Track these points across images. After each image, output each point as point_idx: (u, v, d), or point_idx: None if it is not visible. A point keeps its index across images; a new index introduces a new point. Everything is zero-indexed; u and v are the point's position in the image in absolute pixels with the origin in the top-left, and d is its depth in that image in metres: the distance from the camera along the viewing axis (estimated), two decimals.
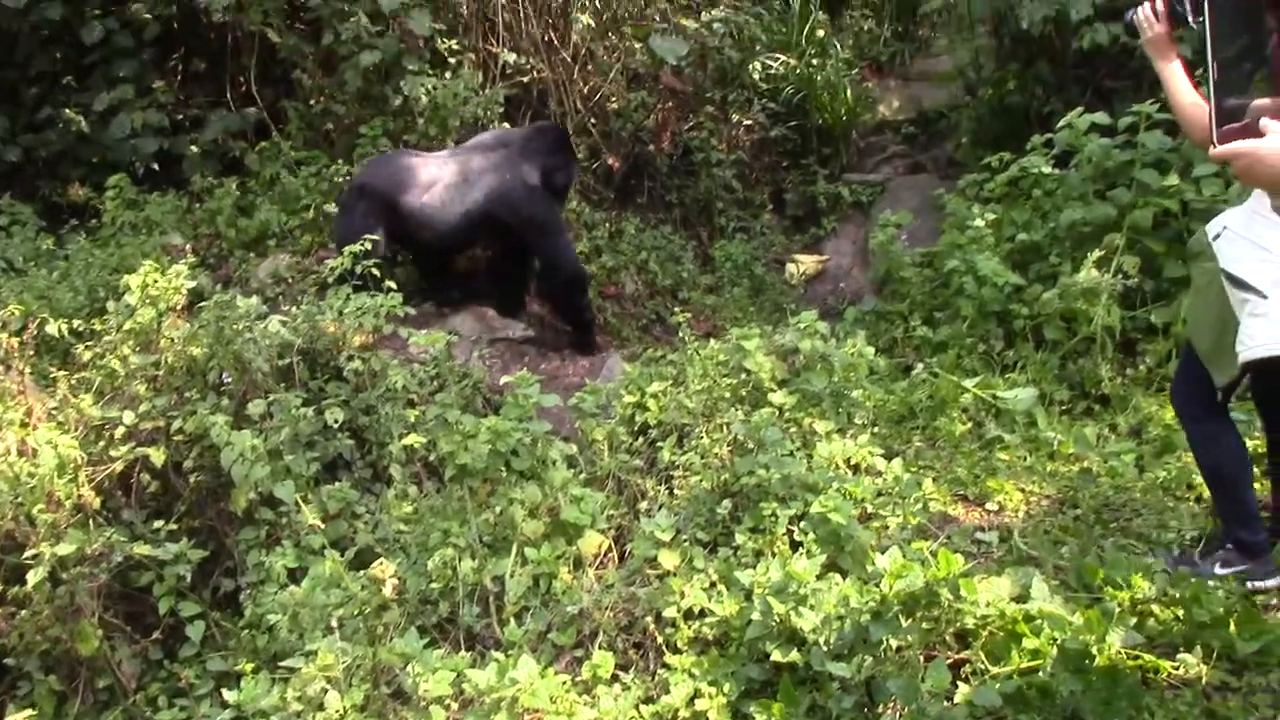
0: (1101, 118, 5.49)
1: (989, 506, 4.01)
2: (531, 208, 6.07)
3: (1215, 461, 3.36)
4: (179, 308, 5.01)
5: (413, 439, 4.21)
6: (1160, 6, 3.02)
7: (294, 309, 5.11)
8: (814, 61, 8.94)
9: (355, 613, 3.49)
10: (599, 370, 6.05)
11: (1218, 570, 3.31)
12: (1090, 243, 5.25)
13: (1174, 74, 3.06)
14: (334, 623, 3.38)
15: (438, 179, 5.99)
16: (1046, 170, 5.73)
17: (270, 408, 4.44)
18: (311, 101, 6.75)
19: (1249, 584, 3.28)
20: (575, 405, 4.39)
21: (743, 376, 4.21)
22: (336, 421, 4.53)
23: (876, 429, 4.46)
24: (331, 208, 6.23)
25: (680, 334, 4.82)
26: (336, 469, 4.69)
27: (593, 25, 7.45)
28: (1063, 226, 5.40)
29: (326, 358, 4.96)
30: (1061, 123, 5.65)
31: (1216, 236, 3.20)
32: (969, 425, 4.67)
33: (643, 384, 4.46)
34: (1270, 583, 3.30)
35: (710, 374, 4.29)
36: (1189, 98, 3.05)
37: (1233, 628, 2.91)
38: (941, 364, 5.13)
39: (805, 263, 7.89)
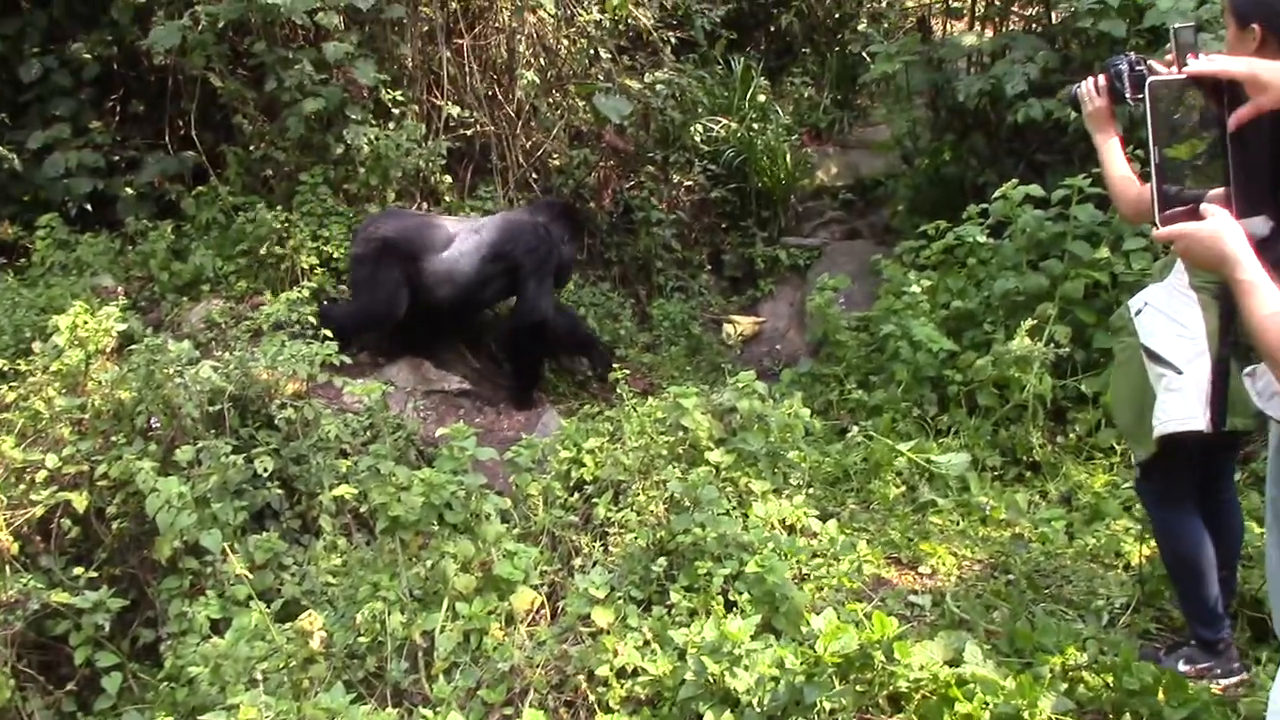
0: (1035, 190, 5.61)
1: (922, 570, 4.03)
2: (536, 244, 6.27)
3: (1174, 554, 3.36)
4: (108, 350, 4.93)
5: (344, 490, 4.14)
6: (1101, 82, 3.08)
7: (226, 354, 5.05)
8: (755, 126, 9.06)
9: (280, 666, 3.41)
10: (535, 425, 6.02)
11: (1181, 668, 3.28)
12: (1023, 311, 5.34)
13: (1111, 149, 3.12)
14: (258, 675, 3.30)
15: (455, 235, 6.19)
16: (981, 239, 5.84)
17: (199, 454, 4.37)
18: (251, 147, 6.69)
19: (1214, 683, 3.26)
20: (510, 459, 4.36)
21: (680, 434, 4.21)
22: (266, 470, 4.46)
23: (812, 490, 4.47)
24: (267, 251, 6.17)
25: (618, 390, 4.81)
26: (264, 518, 4.61)
27: (537, 82, 7.49)
28: (996, 295, 5.49)
29: (258, 405, 4.89)
30: (996, 194, 5.76)
31: (1138, 312, 3.26)
32: (903, 489, 4.70)
33: (579, 440, 4.45)
34: (1234, 679, 3.30)
35: (647, 431, 4.28)
36: (1121, 172, 3.11)
37: (1161, 696, 2.93)
38: (876, 427, 5.17)
39: (742, 324, 7.94)
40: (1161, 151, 2.06)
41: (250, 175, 6.82)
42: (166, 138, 7.01)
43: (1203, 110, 2.11)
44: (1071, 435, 5.09)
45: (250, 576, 3.90)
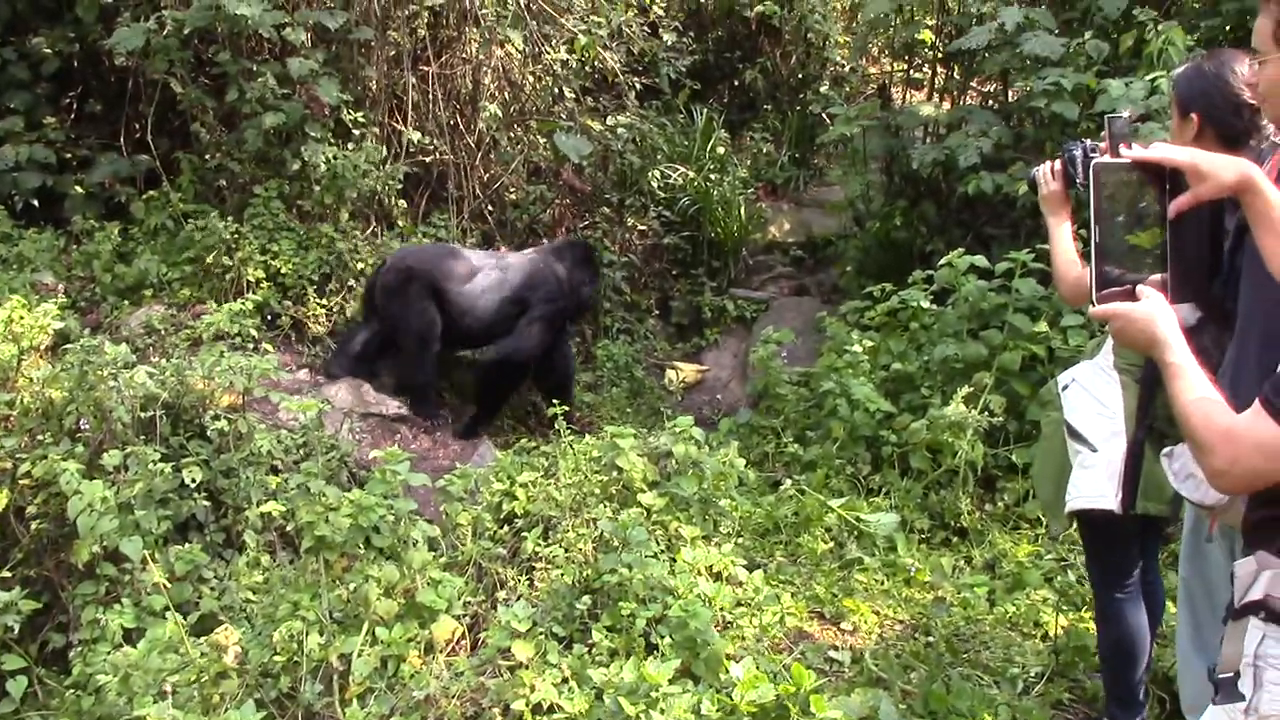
0: (980, 260, 5.71)
1: (844, 626, 4.05)
2: (556, 294, 6.52)
3: (1114, 638, 3.37)
4: (42, 348, 4.85)
5: (271, 506, 4.11)
6: (1056, 166, 3.17)
7: (164, 361, 4.99)
8: (712, 176, 9.16)
9: (191, 680, 3.36)
10: (470, 455, 6.00)
11: None
12: (961, 379, 5.42)
13: (1060, 232, 3.19)
14: (167, 688, 3.24)
15: (478, 269, 6.40)
16: (925, 305, 5.93)
17: (126, 460, 4.30)
18: (207, 155, 6.65)
19: None
20: (443, 488, 4.34)
21: (614, 474, 4.22)
22: (194, 481, 4.40)
23: (741, 539, 4.50)
24: (213, 260, 6.13)
25: (556, 427, 4.81)
26: (188, 530, 4.55)
27: (500, 115, 7.52)
28: (936, 360, 5.57)
29: (192, 415, 4.83)
30: (942, 261, 5.86)
31: (1065, 387, 3.33)
32: (831, 544, 4.74)
33: (513, 472, 4.44)
34: None
35: (582, 469, 4.28)
36: (1066, 255, 3.18)
37: None
38: (809, 482, 5.21)
39: (685, 371, 7.98)
40: (1102, 232, 2.12)
41: (203, 184, 6.77)
42: (121, 139, 6.94)
43: (1151, 197, 2.18)
44: (1000, 504, 5.16)
45: (168, 587, 3.84)
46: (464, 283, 6.32)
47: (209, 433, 4.74)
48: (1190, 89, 2.97)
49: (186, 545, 4.21)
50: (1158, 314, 1.99)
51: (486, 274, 6.40)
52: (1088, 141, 2.98)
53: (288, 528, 4.41)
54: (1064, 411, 3.26)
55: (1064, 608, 4.19)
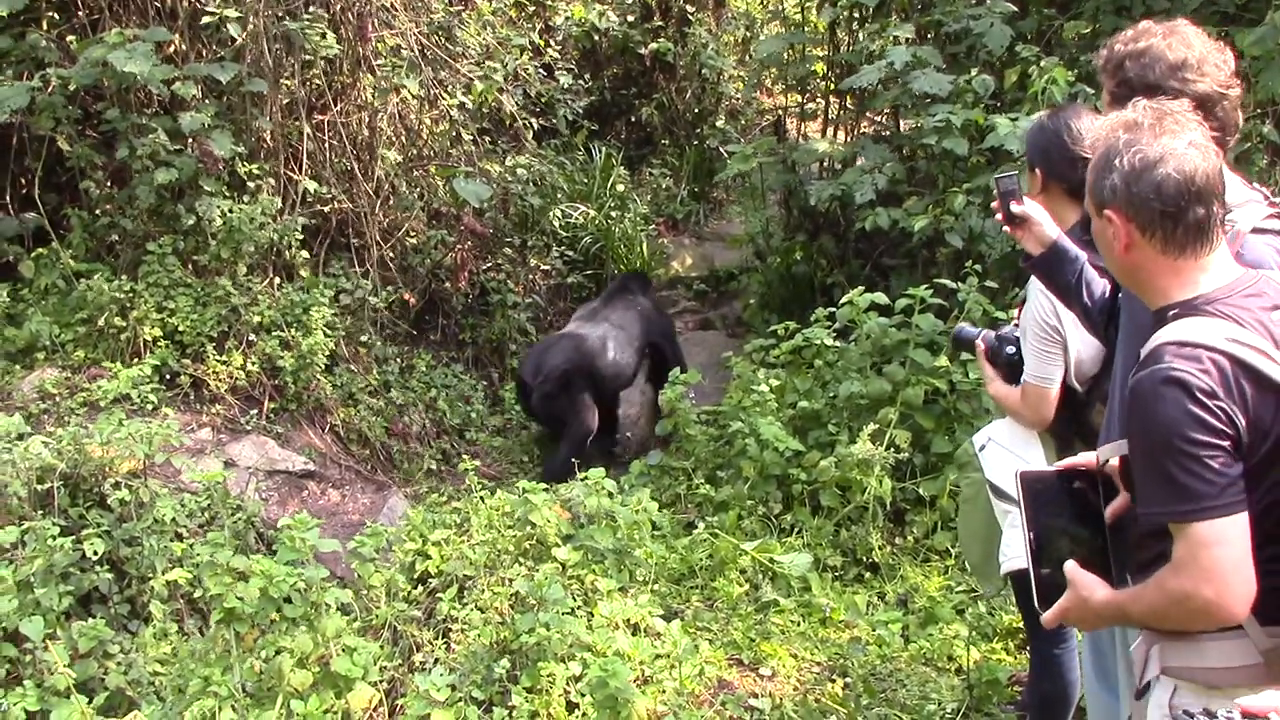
0: (880, 297, 5.81)
1: (763, 671, 4.08)
2: (664, 323, 7.88)
3: (1045, 691, 3.44)
4: None
5: (177, 575, 4.01)
6: (992, 343, 3.31)
7: (59, 430, 4.86)
8: (613, 214, 9.22)
9: None
10: (379, 508, 5.93)
11: None
12: (866, 415, 5.51)
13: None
14: None
15: (606, 337, 7.27)
16: (829, 342, 6.02)
17: (24, 536, 4.18)
18: (97, 211, 6.49)
19: None
20: (354, 549, 4.28)
21: (528, 529, 4.20)
22: (96, 553, 4.28)
23: (657, 587, 4.51)
24: (107, 321, 5.98)
25: (467, 482, 4.78)
26: (91, 603, 4.43)
27: (398, 161, 7.48)
28: (841, 397, 5.65)
29: (91, 484, 4.71)
30: (844, 300, 5.95)
31: (982, 448, 3.39)
32: (746, 587, 4.77)
33: (425, 531, 4.40)
34: None
35: (495, 525, 4.26)
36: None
37: None
38: (722, 523, 5.24)
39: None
40: (1037, 538, 2.25)
41: (94, 240, 6.60)
42: (7, 197, 6.75)
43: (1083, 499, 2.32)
44: (909, 537, 5.25)
45: (72, 666, 3.73)
46: (606, 353, 7.17)
47: (109, 501, 4.63)
48: (1033, 145, 3.14)
49: (90, 620, 4.10)
50: (1095, 594, 2.15)
51: (616, 338, 7.30)
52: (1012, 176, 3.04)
53: (195, 595, 4.32)
54: (985, 471, 3.31)
55: (976, 641, 4.26)
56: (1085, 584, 2.16)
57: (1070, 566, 2.20)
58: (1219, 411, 1.94)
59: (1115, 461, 2.27)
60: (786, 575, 4.74)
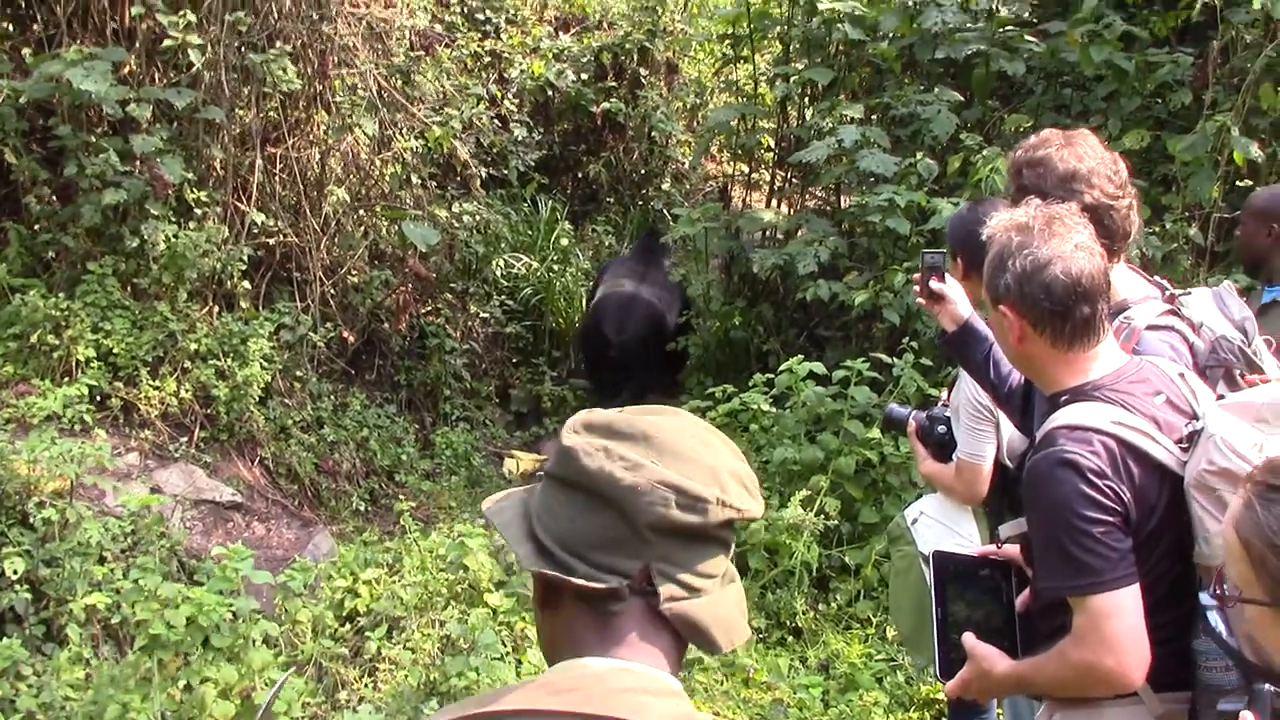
0: (818, 366, 5.92)
1: None
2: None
3: None
4: None
5: (96, 599, 3.96)
6: (923, 423, 3.43)
7: None
8: (555, 267, 9.30)
9: None
10: (305, 545, 5.88)
11: None
12: (798, 481, 5.59)
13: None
14: None
15: (663, 301, 8.22)
16: (765, 408, 6.10)
17: None
18: (38, 227, 6.42)
19: None
20: (283, 583, 4.25)
21: (461, 573, 4.21)
22: (15, 572, 4.22)
23: None
24: (39, 339, 5.88)
25: (400, 521, 4.77)
26: (4, 623, 4.35)
27: (347, 199, 7.50)
28: (775, 463, 5.73)
29: (14, 502, 4.63)
30: (783, 367, 6.05)
31: (914, 521, 3.49)
32: None
33: (356, 569, 4.38)
34: None
35: (428, 567, 4.26)
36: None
37: None
38: None
39: (524, 460, 7.98)
40: (942, 615, 2.40)
41: (32, 257, 6.51)
42: None
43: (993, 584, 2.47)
44: (833, 604, 5.31)
45: None
46: (666, 319, 8.19)
47: (33, 521, 4.55)
48: (953, 235, 3.33)
49: (4, 640, 4.02)
50: (996, 666, 2.29)
51: (666, 303, 8.20)
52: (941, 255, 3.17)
53: (113, 621, 4.26)
54: (919, 545, 3.40)
55: (895, 709, 4.33)
56: (985, 656, 2.29)
57: (969, 639, 2.32)
58: (1108, 490, 2.09)
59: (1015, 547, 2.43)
60: None
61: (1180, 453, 2.17)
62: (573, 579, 1.28)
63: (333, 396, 7.28)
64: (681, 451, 1.31)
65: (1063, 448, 2.14)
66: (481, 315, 8.62)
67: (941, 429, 3.38)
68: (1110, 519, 2.10)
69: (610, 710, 1.22)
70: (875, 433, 5.56)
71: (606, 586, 1.28)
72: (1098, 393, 2.22)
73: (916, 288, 3.07)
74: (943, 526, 3.34)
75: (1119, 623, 2.07)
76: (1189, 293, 2.68)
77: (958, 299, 3.03)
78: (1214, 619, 2.08)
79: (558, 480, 1.35)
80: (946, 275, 3.05)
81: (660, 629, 1.30)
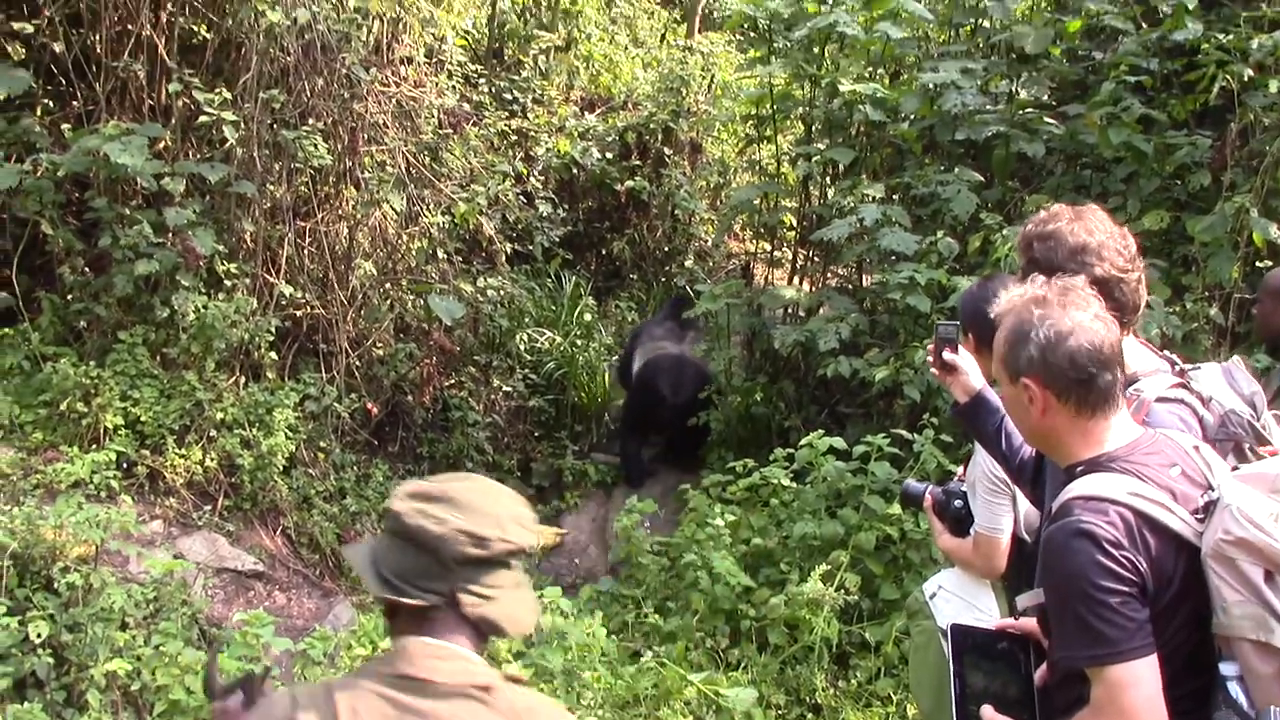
0: (839, 442, 5.95)
1: None
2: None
3: None
4: None
5: (117, 665, 3.98)
6: (939, 498, 3.47)
7: (14, 509, 4.84)
8: (578, 342, 9.36)
9: None
10: (325, 614, 5.89)
11: None
12: (818, 556, 5.59)
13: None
14: None
15: (703, 364, 8.48)
16: (785, 482, 6.12)
17: None
18: (70, 297, 6.54)
19: None
20: (303, 650, 4.26)
21: None
22: (39, 636, 4.25)
23: (603, 712, 4.50)
24: (68, 406, 5.96)
25: None
26: (26, 687, 4.36)
27: (374, 273, 7.61)
28: (795, 537, 5.73)
29: (40, 566, 4.67)
30: (803, 441, 6.07)
31: (933, 596, 3.49)
32: (691, 719, 4.76)
33: (376, 637, 4.39)
34: None
35: None
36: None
37: None
38: (670, 654, 5.25)
39: (544, 534, 7.98)
40: (961, 688, 2.42)
41: (64, 325, 6.63)
42: None
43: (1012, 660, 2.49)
44: (853, 681, 5.28)
45: None
46: (707, 380, 8.36)
47: (57, 585, 4.59)
48: (965, 311, 3.38)
49: (26, 704, 4.04)
50: None
51: (705, 366, 8.43)
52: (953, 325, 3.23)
53: (133, 687, 4.27)
54: (938, 619, 3.40)
55: None
56: None
57: (988, 711, 2.31)
58: (1125, 560, 2.10)
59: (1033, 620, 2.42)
60: (730, 710, 4.74)
61: (1196, 523, 2.17)
62: (404, 600, 1.97)
63: (356, 467, 7.33)
64: (474, 506, 2.01)
65: (1079, 518, 2.15)
66: (504, 389, 8.68)
67: (958, 503, 3.40)
68: (1127, 589, 2.10)
69: (411, 669, 1.95)
70: (896, 508, 5.56)
71: (428, 603, 1.98)
72: (1113, 464, 2.24)
73: (930, 359, 3.12)
74: (961, 600, 3.34)
75: (1137, 693, 2.07)
76: (1198, 367, 2.71)
77: (970, 370, 3.07)
78: (1234, 690, 2.08)
79: (391, 533, 2.04)
80: (959, 347, 3.10)
81: (463, 624, 2.00)
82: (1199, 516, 2.18)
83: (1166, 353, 2.82)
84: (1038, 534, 3.19)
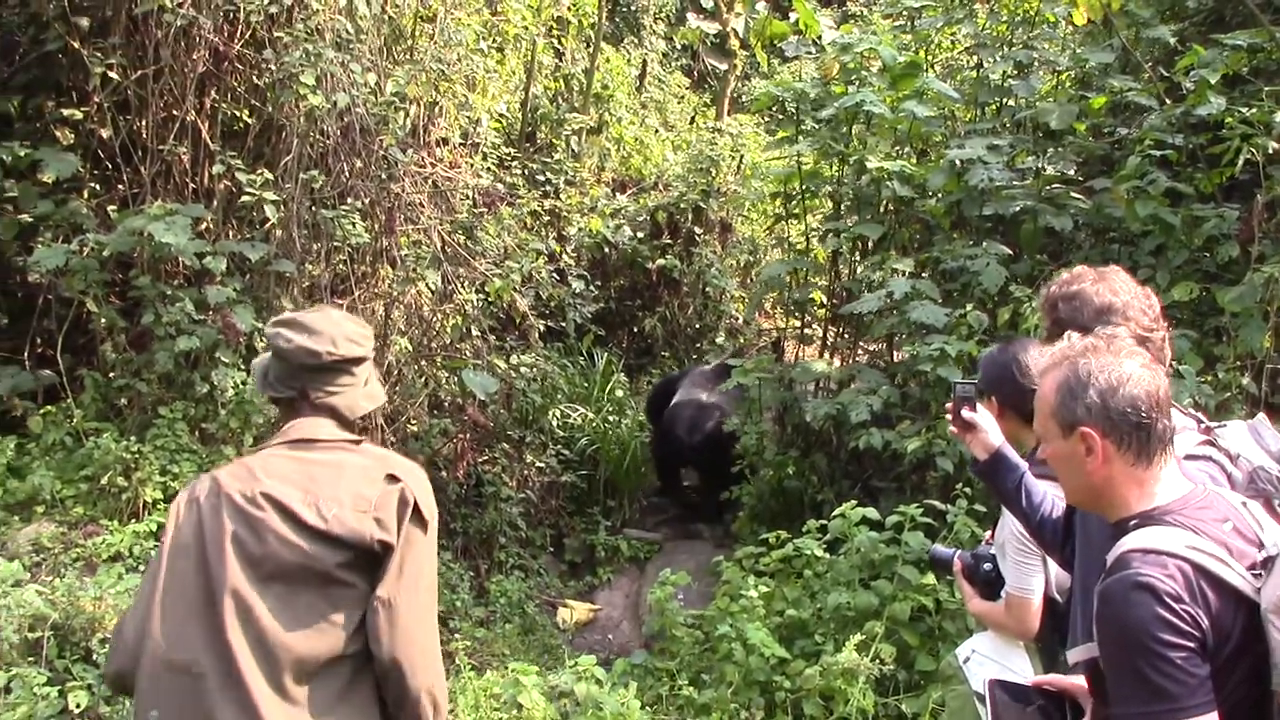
0: (871, 512, 5.95)
1: None
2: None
3: None
4: None
5: None
6: (968, 561, 3.52)
7: (54, 580, 4.90)
8: (610, 418, 9.43)
9: None
10: None
11: None
12: (853, 626, 5.56)
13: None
14: None
15: (725, 409, 8.95)
16: (819, 553, 6.11)
17: (10, 682, 4.19)
18: (112, 374, 6.67)
19: None
20: None
21: (515, 712, 4.21)
22: (79, 706, 4.29)
23: None
24: (109, 481, 6.05)
25: (456, 661, 4.80)
26: None
27: (409, 349, 7.71)
28: (829, 608, 5.71)
29: (80, 637, 4.72)
30: (836, 512, 6.08)
31: (966, 660, 3.49)
32: None
33: None
34: None
35: (482, 705, 4.27)
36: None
37: None
38: None
39: (578, 609, 7.98)
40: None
41: (104, 402, 6.75)
42: (25, 354, 6.93)
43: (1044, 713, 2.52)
44: None
45: None
46: (726, 424, 8.73)
47: (96, 657, 4.63)
48: (986, 376, 3.44)
49: None
50: None
51: (728, 410, 8.87)
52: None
53: None
54: (972, 683, 3.39)
55: None
56: None
57: None
58: (1185, 615, 2.08)
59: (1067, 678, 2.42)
60: None
61: (1254, 579, 2.17)
62: (275, 394, 2.84)
63: None
64: (315, 327, 2.79)
65: (1138, 570, 2.13)
66: (538, 464, 8.73)
67: (988, 566, 3.41)
68: (1189, 644, 2.07)
69: (300, 435, 2.75)
70: (930, 579, 5.54)
71: (290, 396, 2.82)
72: (1168, 517, 2.23)
73: (949, 418, 3.16)
74: (995, 664, 3.33)
75: None
76: (1224, 425, 2.73)
77: (989, 428, 3.11)
78: None
79: (269, 349, 2.84)
80: (978, 405, 3.14)
81: (320, 411, 2.78)
82: (1256, 573, 2.17)
83: (1191, 409, 2.84)
84: (1070, 594, 3.20)
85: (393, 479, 2.67)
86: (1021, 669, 3.26)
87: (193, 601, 2.59)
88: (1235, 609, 2.14)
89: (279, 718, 2.52)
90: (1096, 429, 2.27)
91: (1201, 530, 2.20)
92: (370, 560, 2.62)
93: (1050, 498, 3.01)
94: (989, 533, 3.61)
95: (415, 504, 2.67)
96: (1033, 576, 3.22)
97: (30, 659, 4.43)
